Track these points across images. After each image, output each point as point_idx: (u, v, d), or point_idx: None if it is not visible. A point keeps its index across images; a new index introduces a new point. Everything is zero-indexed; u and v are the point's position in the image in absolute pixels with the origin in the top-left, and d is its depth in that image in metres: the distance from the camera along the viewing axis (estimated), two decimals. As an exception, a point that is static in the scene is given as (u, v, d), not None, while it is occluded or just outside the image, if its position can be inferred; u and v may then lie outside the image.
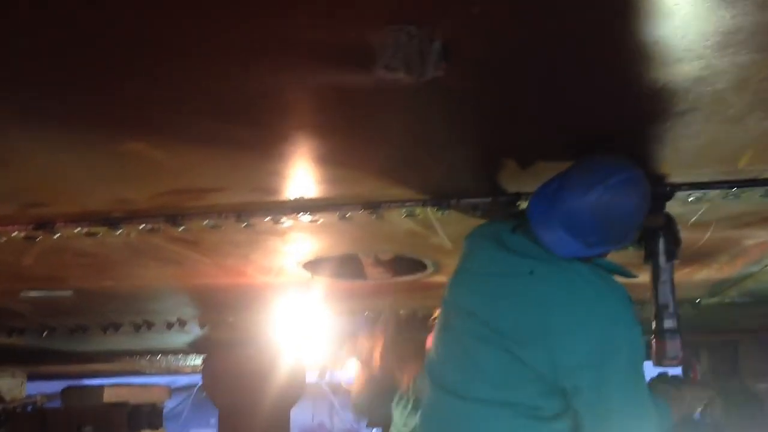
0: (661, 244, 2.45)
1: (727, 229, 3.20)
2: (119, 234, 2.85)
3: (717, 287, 4.77)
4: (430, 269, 4.06)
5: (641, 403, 2.07)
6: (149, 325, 5.42)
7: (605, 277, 2.15)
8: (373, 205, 2.75)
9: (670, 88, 1.85)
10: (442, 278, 4.19)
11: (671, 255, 2.44)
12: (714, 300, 5.33)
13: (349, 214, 2.79)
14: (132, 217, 2.73)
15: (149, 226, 2.79)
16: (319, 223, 2.92)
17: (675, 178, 2.58)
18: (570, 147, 2.24)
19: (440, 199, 2.71)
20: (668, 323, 2.52)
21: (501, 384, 2.06)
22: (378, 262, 4.32)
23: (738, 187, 2.60)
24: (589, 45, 1.64)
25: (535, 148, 2.32)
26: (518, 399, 2.03)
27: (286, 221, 2.88)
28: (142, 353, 7.85)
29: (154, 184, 2.47)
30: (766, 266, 4.08)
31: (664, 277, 2.52)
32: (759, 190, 2.64)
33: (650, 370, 2.38)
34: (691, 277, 4.31)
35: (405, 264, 4.11)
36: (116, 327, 5.64)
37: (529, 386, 2.02)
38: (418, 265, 4.07)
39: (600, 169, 2.08)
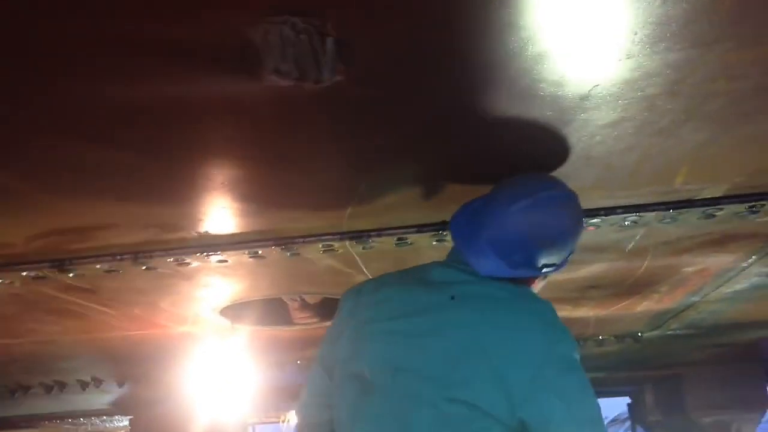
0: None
1: (665, 256, 3.04)
2: (0, 283, 2.52)
3: (658, 319, 4.64)
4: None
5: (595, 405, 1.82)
6: (61, 386, 4.99)
7: (529, 291, 1.97)
8: (285, 241, 2.49)
9: (598, 94, 1.66)
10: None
11: None
12: (656, 333, 5.20)
13: (260, 251, 2.53)
14: (10, 263, 2.41)
15: (33, 273, 2.47)
16: (229, 263, 2.65)
17: (608, 200, 2.40)
18: (498, 167, 2.04)
19: (360, 231, 2.47)
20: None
21: None
22: (305, 306, 4.04)
23: (674, 208, 2.44)
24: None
25: (463, 170, 2.11)
26: None
27: (192, 262, 2.60)
28: (62, 416, 7.31)
29: (29, 224, 2.17)
30: (706, 296, 3.95)
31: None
32: (696, 212, 2.48)
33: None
34: (632, 309, 4.16)
35: (335, 307, 3.84)
36: (25, 389, 5.20)
37: None
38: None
39: (530, 184, 1.93)
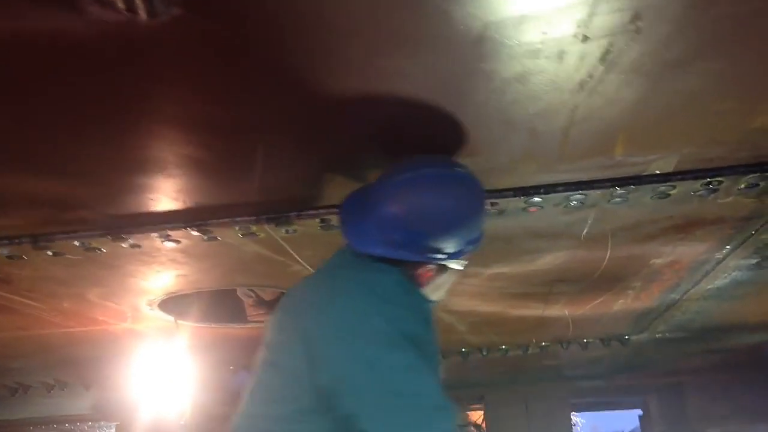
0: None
1: (627, 244, 2.80)
2: None
3: (642, 320, 4.38)
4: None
5: (415, 389, 1.58)
6: (25, 388, 4.82)
7: (382, 267, 1.73)
8: (198, 223, 2.28)
9: (491, 36, 1.44)
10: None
11: None
12: (644, 336, 4.95)
13: (170, 233, 2.32)
14: None
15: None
16: (143, 248, 2.45)
17: (546, 176, 2.17)
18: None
19: (277, 212, 2.26)
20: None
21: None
22: (260, 303, 3.83)
23: (619, 185, 2.21)
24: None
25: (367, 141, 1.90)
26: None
27: (101, 247, 2.40)
28: (45, 422, 7.15)
29: None
30: (686, 293, 3.69)
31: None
32: (646, 190, 2.25)
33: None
34: (609, 308, 3.91)
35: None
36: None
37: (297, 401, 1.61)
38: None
39: (420, 160, 1.75)
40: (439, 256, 1.72)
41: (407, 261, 1.71)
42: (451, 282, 1.89)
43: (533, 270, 3.09)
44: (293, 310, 1.71)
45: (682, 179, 2.19)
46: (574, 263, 3.02)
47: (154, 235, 2.33)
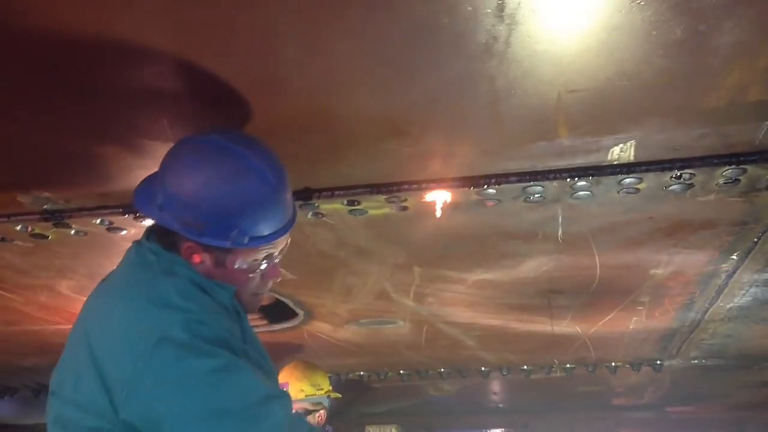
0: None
1: (614, 249, 2.57)
2: None
3: (668, 343, 4.07)
4: (300, 318, 3.48)
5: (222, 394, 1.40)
6: (12, 392, 4.86)
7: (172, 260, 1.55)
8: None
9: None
10: (315, 327, 3.60)
11: None
12: (678, 362, 4.62)
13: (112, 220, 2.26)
14: None
15: None
16: (89, 236, 2.39)
17: (495, 165, 1.99)
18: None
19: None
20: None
21: None
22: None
23: (577, 176, 2.01)
24: None
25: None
26: None
27: (45, 232, 2.36)
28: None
29: None
30: (707, 312, 3.40)
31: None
32: (609, 183, 2.04)
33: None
34: (625, 326, 3.65)
35: (288, 310, 3.54)
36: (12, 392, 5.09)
37: None
38: (290, 313, 3.50)
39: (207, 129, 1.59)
40: (193, 231, 1.51)
41: (176, 243, 1.56)
42: (244, 285, 1.61)
43: (520, 277, 2.88)
44: (85, 325, 1.51)
45: (647, 170, 1.97)
46: (564, 271, 2.80)
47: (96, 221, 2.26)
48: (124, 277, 1.58)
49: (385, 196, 2.13)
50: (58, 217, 2.26)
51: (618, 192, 2.08)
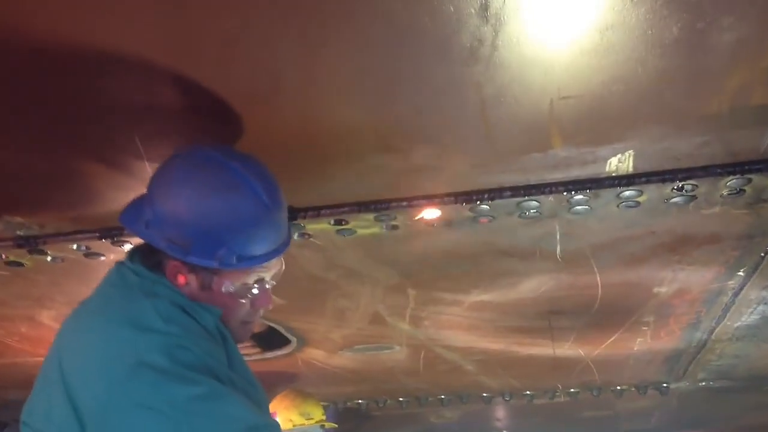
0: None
1: (615, 267, 2.47)
2: None
3: (674, 364, 3.95)
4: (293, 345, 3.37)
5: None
6: (1, 426, 4.70)
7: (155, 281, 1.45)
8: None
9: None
10: (309, 354, 3.49)
11: None
12: (685, 384, 4.50)
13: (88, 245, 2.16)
14: None
15: None
16: (66, 262, 2.29)
17: (487, 178, 1.90)
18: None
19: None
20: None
21: None
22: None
23: (574, 189, 1.91)
24: None
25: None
26: None
27: (20, 259, 2.26)
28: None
29: None
30: (713, 332, 3.28)
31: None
32: (607, 196, 1.94)
33: None
34: (629, 348, 3.53)
35: (281, 338, 3.43)
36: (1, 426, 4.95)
37: None
38: (283, 340, 3.39)
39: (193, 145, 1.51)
40: (179, 249, 1.41)
41: (160, 263, 1.46)
42: (232, 311, 1.51)
43: (519, 298, 2.78)
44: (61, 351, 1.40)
45: (647, 182, 1.87)
46: (564, 290, 2.70)
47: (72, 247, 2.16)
48: (101, 299, 1.47)
49: (373, 215, 2.03)
50: (32, 243, 2.17)
51: (617, 206, 1.99)
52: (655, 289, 2.71)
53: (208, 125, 1.63)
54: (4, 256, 2.23)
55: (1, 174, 1.85)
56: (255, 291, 1.49)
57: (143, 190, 1.49)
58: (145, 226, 1.43)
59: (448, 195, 1.96)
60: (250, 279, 1.48)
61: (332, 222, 2.08)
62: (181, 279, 1.45)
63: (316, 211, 2.03)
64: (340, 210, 2.02)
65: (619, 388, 4.53)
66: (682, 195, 1.93)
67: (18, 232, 2.13)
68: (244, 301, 1.49)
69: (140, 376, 1.26)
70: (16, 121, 1.62)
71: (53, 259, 2.26)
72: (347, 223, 2.08)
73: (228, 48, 1.37)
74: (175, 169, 1.44)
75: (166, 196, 1.42)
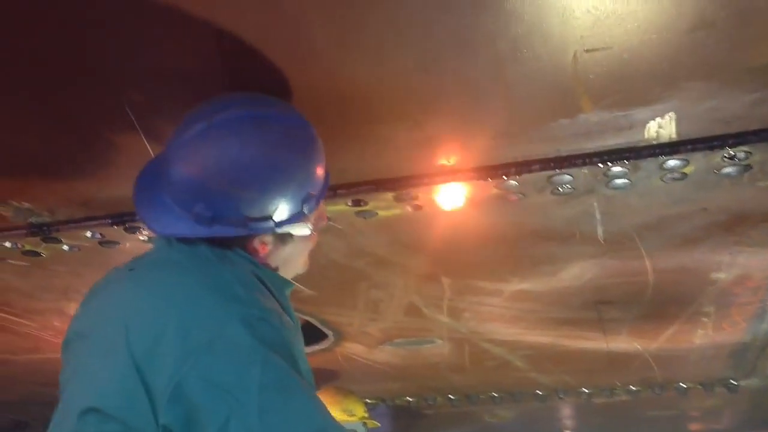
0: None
1: (666, 250, 2.27)
2: None
3: (741, 359, 3.68)
4: (330, 340, 3.25)
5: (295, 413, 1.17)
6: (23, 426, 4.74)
7: (220, 254, 1.32)
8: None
9: None
10: (348, 349, 3.37)
11: None
12: (756, 381, 4.19)
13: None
14: None
15: None
16: (83, 251, 2.22)
17: (513, 150, 1.74)
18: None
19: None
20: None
21: None
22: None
23: (610, 160, 1.73)
24: None
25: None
26: None
27: (36, 248, 2.20)
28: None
29: None
30: (783, 322, 3.02)
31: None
32: (649, 167, 1.75)
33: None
34: (690, 341, 3.29)
35: (317, 332, 3.32)
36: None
37: None
38: (320, 334, 3.27)
39: (213, 104, 1.33)
40: (266, 224, 1.32)
41: (231, 238, 1.33)
42: (305, 251, 1.48)
43: (562, 287, 2.59)
44: (115, 320, 1.25)
45: (693, 149, 1.68)
46: (611, 278, 2.50)
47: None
48: (165, 268, 1.33)
49: (392, 193, 1.89)
50: (45, 231, 2.10)
51: (661, 179, 1.80)
52: (713, 275, 2.48)
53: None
54: (19, 245, 2.17)
55: (5, 157, 1.79)
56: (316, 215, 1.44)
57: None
58: (201, 223, 1.29)
59: (471, 170, 1.81)
60: (298, 231, 1.40)
61: (350, 203, 1.94)
62: (262, 249, 1.37)
63: (332, 191, 1.90)
64: (356, 189, 1.89)
65: (683, 385, 4.26)
66: (735, 164, 1.72)
67: (30, 220, 2.06)
68: (316, 232, 1.46)
69: (217, 351, 1.14)
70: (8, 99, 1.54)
71: (70, 248, 2.19)
72: (366, 204, 1.94)
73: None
74: (225, 146, 1.28)
75: (237, 178, 1.28)
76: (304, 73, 1.44)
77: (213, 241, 1.32)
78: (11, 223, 2.07)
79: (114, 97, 1.53)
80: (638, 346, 3.39)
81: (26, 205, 1.99)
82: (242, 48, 1.37)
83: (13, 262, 2.28)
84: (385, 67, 1.43)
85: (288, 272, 1.45)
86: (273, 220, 1.31)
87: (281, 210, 1.32)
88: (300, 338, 1.38)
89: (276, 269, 1.43)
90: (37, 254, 2.23)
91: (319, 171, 1.38)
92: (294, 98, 1.49)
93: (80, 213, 2.04)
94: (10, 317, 2.84)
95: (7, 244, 2.16)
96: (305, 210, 1.35)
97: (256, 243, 1.36)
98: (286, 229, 1.35)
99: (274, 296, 1.31)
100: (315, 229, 1.45)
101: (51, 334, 3.07)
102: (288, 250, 1.40)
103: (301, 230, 1.38)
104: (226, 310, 1.18)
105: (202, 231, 1.29)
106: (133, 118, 1.56)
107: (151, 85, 1.50)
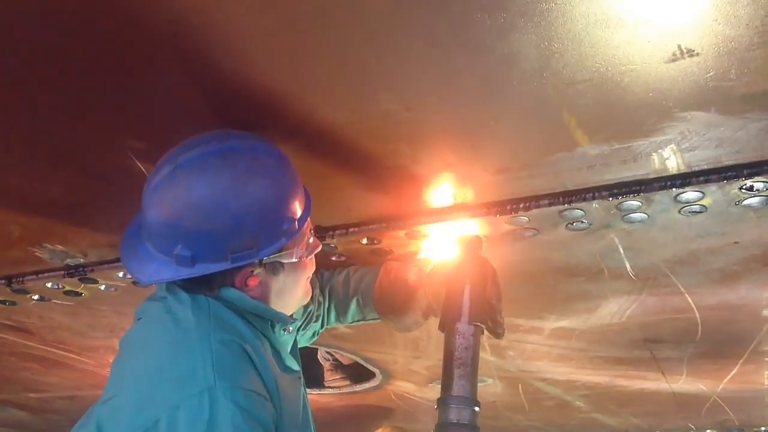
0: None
1: (705, 286, 2.16)
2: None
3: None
4: (378, 378, 3.23)
5: None
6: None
7: (212, 315, 1.34)
8: None
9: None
10: (399, 387, 3.34)
11: None
12: None
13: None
14: None
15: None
16: (119, 291, 2.32)
17: (515, 184, 1.70)
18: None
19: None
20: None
21: None
22: (337, 366, 3.55)
23: (620, 194, 1.67)
24: None
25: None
26: None
27: (75, 289, 2.31)
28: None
29: None
30: None
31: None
32: (662, 200, 1.67)
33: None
34: (759, 382, 3.09)
35: (365, 372, 3.33)
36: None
37: None
38: (368, 373, 3.27)
39: (182, 145, 1.36)
40: (249, 255, 1.32)
41: (217, 274, 1.35)
42: (302, 278, 1.48)
43: (604, 324, 2.49)
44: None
45: (706, 181, 1.60)
46: (654, 315, 2.39)
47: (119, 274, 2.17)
48: (147, 331, 1.41)
49: (403, 231, 1.88)
50: (82, 272, 2.20)
51: (679, 212, 1.71)
52: (765, 312, 2.33)
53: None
54: (60, 286, 2.28)
55: (37, 202, 1.89)
56: (310, 239, 1.47)
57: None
58: (184, 264, 1.32)
59: (478, 206, 1.78)
60: (286, 258, 1.42)
61: (365, 241, 1.94)
62: (252, 282, 1.39)
63: (344, 229, 1.91)
64: (367, 228, 1.89)
65: (763, 429, 4.00)
66: (755, 195, 1.63)
67: (67, 261, 2.16)
68: (311, 256, 1.48)
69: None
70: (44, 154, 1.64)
71: (106, 287, 2.28)
72: (379, 242, 1.94)
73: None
74: (193, 184, 1.31)
75: (209, 214, 1.30)
76: (308, 114, 1.45)
77: (201, 281, 1.35)
78: (50, 264, 2.18)
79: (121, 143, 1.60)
80: (703, 387, 3.21)
81: (60, 247, 2.09)
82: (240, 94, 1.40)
83: (57, 301, 2.39)
84: (371, 107, 1.43)
85: (287, 303, 1.46)
86: (255, 251, 1.32)
87: (261, 238, 1.33)
88: (291, 382, 1.38)
89: (269, 302, 1.43)
90: (78, 294, 2.33)
91: (296, 195, 1.38)
92: (301, 139, 1.51)
93: (111, 255, 2.12)
94: (69, 354, 2.97)
95: (49, 285, 2.27)
96: (286, 236, 1.34)
97: (245, 276, 1.37)
98: (272, 258, 1.36)
99: (264, 335, 1.33)
100: (308, 255, 1.46)
101: (108, 371, 3.18)
102: (281, 279, 1.42)
103: (289, 257, 1.39)
104: (181, 392, 1.21)
105: (185, 272, 1.32)
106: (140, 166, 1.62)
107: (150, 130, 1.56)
